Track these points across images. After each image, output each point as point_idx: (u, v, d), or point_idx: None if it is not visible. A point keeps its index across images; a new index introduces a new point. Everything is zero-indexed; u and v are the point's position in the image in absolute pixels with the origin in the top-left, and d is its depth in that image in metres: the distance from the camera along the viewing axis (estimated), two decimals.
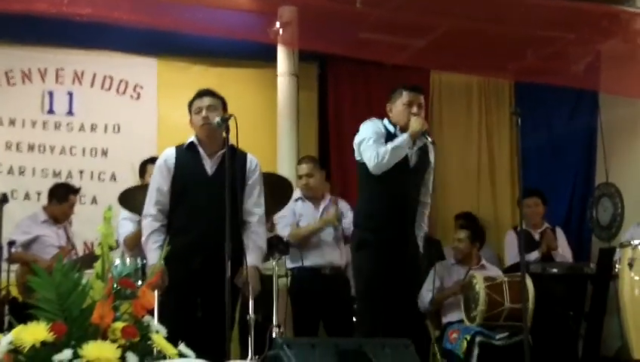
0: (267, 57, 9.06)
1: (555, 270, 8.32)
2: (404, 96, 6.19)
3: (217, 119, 5.60)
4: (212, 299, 5.59)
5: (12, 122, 9.08)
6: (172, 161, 5.86)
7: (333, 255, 7.62)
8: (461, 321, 7.39)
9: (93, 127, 9.28)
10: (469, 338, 7.11)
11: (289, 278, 7.74)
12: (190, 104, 6.00)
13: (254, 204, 5.92)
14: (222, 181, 5.48)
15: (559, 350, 7.92)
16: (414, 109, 6.13)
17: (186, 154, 5.89)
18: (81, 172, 9.17)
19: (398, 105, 6.19)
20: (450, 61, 9.33)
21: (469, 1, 8.24)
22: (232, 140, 5.52)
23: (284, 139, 8.89)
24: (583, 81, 9.32)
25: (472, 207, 9.98)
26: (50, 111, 9.22)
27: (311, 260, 7.60)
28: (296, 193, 7.80)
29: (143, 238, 5.76)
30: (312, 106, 9.91)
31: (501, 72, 9.82)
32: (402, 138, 6.05)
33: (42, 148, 9.12)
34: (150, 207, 5.80)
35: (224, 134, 5.49)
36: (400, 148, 6.01)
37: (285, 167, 8.54)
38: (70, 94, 9.29)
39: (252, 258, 5.76)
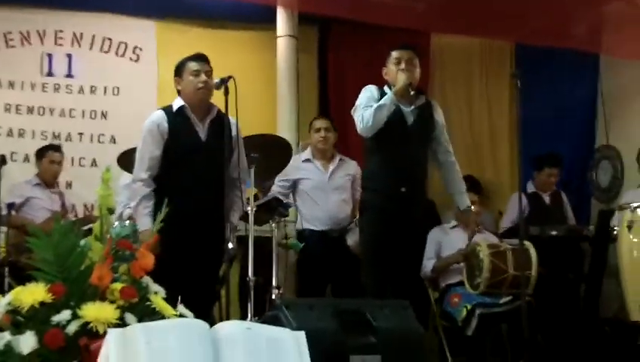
0: (267, 20, 9.01)
1: (554, 232, 8.33)
2: (393, 55, 6.27)
3: (216, 80, 5.59)
4: (206, 260, 5.65)
5: (11, 84, 9.04)
6: (165, 125, 5.81)
7: (342, 217, 7.61)
8: (462, 283, 7.36)
9: (92, 89, 9.24)
10: (469, 307, 7.08)
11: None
12: (182, 65, 5.95)
13: (244, 168, 6.01)
14: (215, 147, 5.61)
15: (560, 312, 7.94)
16: (402, 65, 6.17)
17: (177, 118, 5.84)
18: (80, 134, 9.13)
19: (390, 66, 6.26)
20: (451, 23, 9.27)
21: None
22: (226, 102, 5.49)
23: (283, 102, 8.87)
24: (584, 43, 9.26)
25: (470, 170, 9.98)
26: (50, 74, 9.17)
27: (319, 222, 7.60)
28: (305, 153, 7.78)
29: (133, 203, 5.72)
30: (312, 69, 9.86)
31: (502, 34, 9.76)
32: (386, 96, 6.12)
33: (42, 111, 9.08)
34: (141, 172, 5.76)
35: (224, 96, 5.48)
36: (383, 106, 6.06)
37: (285, 130, 8.52)
38: (69, 56, 9.25)
39: (236, 218, 5.98)
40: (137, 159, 5.86)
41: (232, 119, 5.82)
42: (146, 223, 5.58)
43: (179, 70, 5.97)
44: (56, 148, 8.39)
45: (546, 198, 8.93)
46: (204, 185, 5.72)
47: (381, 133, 6.12)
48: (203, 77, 5.84)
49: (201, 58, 5.96)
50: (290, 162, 7.36)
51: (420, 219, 6.31)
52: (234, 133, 5.82)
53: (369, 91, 6.26)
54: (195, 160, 5.79)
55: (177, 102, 5.91)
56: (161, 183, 5.79)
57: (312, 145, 7.82)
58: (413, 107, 6.23)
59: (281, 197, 7.13)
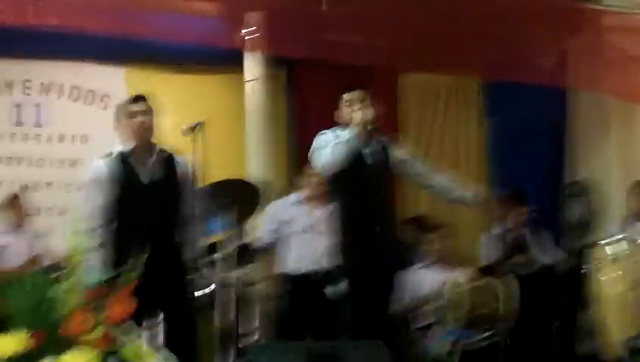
0: (235, 63, 9.03)
1: (527, 270, 8.35)
2: (344, 98, 6.36)
3: (185, 126, 5.58)
4: (169, 307, 5.55)
5: None
6: (104, 173, 5.77)
7: (325, 262, 7.45)
8: (436, 323, 7.35)
9: (61, 138, 9.21)
10: (452, 340, 7.08)
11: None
12: (120, 109, 6.01)
13: (195, 207, 5.95)
14: (160, 188, 5.65)
15: (535, 349, 7.94)
16: (355, 106, 6.19)
17: (117, 164, 5.80)
18: (49, 183, 9.10)
19: (343, 108, 6.34)
20: (417, 62, 9.31)
21: None
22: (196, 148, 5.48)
23: (253, 145, 8.86)
24: (549, 77, 9.31)
25: (435, 206, 9.91)
26: (19, 123, 9.15)
27: (300, 265, 7.50)
28: (294, 196, 7.71)
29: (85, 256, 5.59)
30: (281, 111, 9.85)
31: (467, 70, 9.78)
32: (343, 134, 6.16)
33: (11, 160, 9.05)
34: (85, 223, 5.66)
35: (192, 141, 5.48)
36: (341, 143, 6.09)
37: (255, 173, 8.50)
38: (38, 105, 9.22)
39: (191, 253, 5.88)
40: (82, 211, 5.84)
41: (180, 158, 5.80)
42: (92, 276, 5.51)
43: (117, 114, 6.00)
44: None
45: (511, 237, 8.84)
46: (151, 228, 5.64)
47: (344, 175, 6.15)
48: (139, 118, 5.81)
49: (137, 99, 5.95)
50: (275, 204, 7.36)
51: (394, 258, 6.32)
52: (181, 171, 5.81)
53: (324, 135, 6.32)
54: (139, 203, 5.73)
55: (117, 147, 5.88)
56: (109, 231, 5.73)
57: (305, 189, 7.73)
58: (371, 147, 6.28)
59: (267, 243, 7.16)
